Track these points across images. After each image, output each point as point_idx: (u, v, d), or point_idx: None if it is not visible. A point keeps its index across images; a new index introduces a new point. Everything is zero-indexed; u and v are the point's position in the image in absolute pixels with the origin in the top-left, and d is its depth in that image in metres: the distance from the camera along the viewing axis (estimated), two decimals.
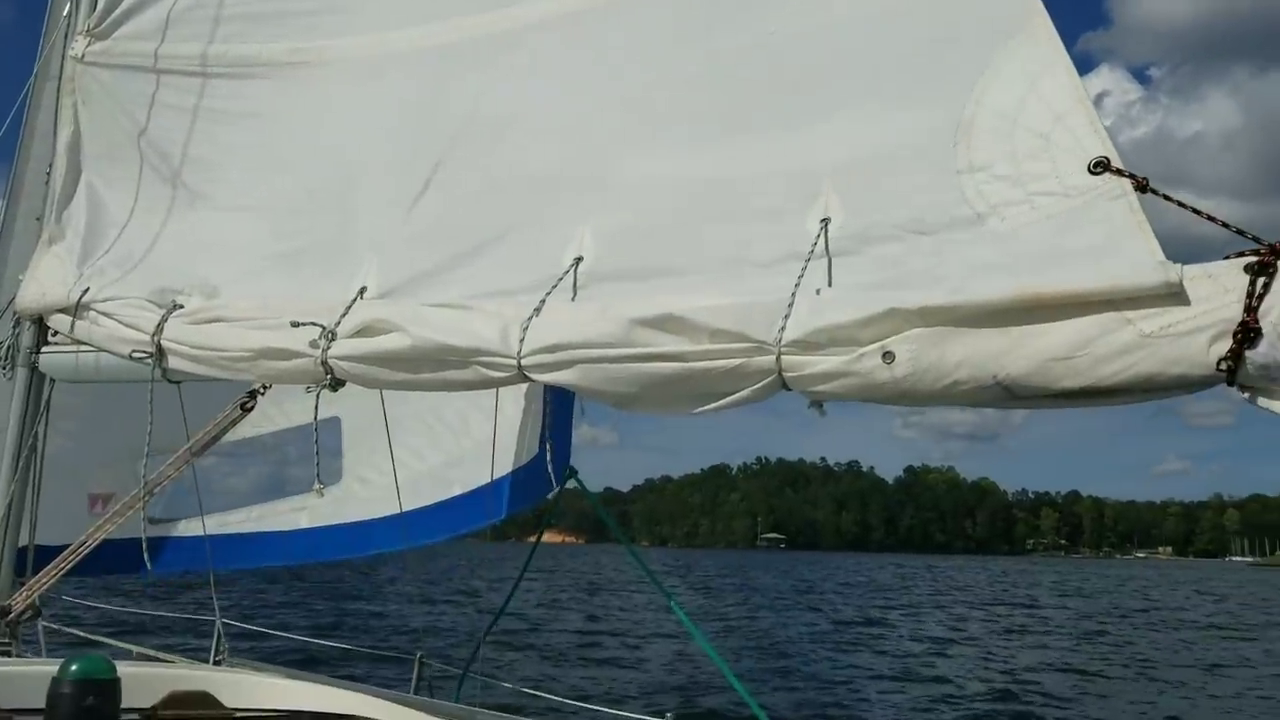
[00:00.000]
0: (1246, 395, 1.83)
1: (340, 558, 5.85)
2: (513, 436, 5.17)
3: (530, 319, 2.55)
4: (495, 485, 5.28)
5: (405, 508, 5.32)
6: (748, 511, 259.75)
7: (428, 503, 5.44)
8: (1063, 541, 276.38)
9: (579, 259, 2.70)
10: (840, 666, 19.67)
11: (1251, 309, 1.76)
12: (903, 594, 47.78)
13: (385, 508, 5.37)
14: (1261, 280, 1.77)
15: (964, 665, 20.13)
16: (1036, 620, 33.07)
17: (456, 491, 5.35)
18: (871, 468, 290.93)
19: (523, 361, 2.52)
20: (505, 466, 5.27)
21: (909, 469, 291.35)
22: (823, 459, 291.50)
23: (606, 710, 4.31)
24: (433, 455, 5.47)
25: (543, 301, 2.61)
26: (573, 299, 2.65)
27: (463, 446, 5.27)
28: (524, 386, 5.11)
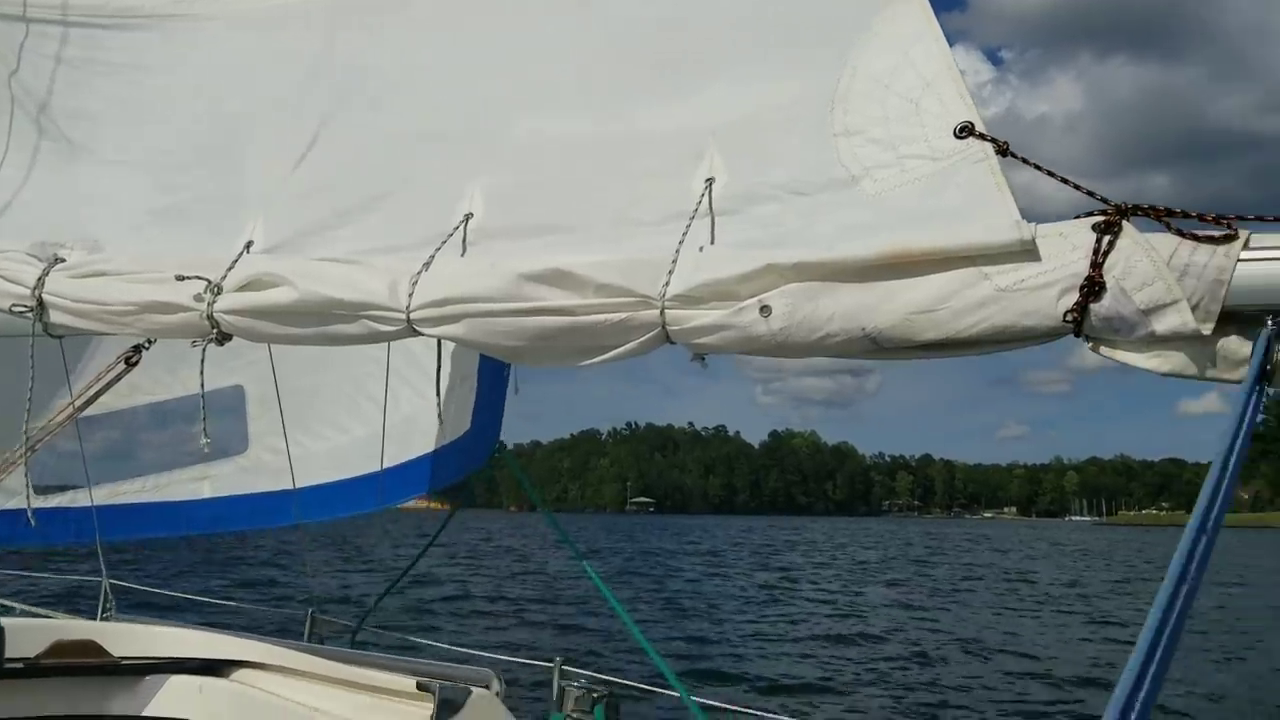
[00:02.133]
0: (1090, 345, 1.94)
1: (247, 529, 5.62)
2: (440, 411, 5.04)
3: (419, 274, 2.51)
4: (419, 461, 5.20)
5: (324, 479, 5.19)
6: (617, 476, 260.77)
7: (349, 475, 5.31)
8: (916, 502, 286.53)
9: (469, 215, 2.68)
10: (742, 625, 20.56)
11: (1097, 265, 1.84)
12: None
13: (302, 478, 5.20)
14: (1107, 238, 1.85)
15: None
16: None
17: (377, 466, 5.21)
18: (738, 432, 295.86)
19: (411, 315, 2.48)
20: (429, 443, 5.20)
21: (773, 433, 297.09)
22: (691, 424, 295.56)
23: (499, 657, 4.35)
24: (356, 428, 5.34)
25: (432, 257, 2.57)
26: (462, 255, 2.62)
27: (389, 420, 5.12)
28: (456, 361, 5.06)
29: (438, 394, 3.00)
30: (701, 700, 3.93)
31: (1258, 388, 1.76)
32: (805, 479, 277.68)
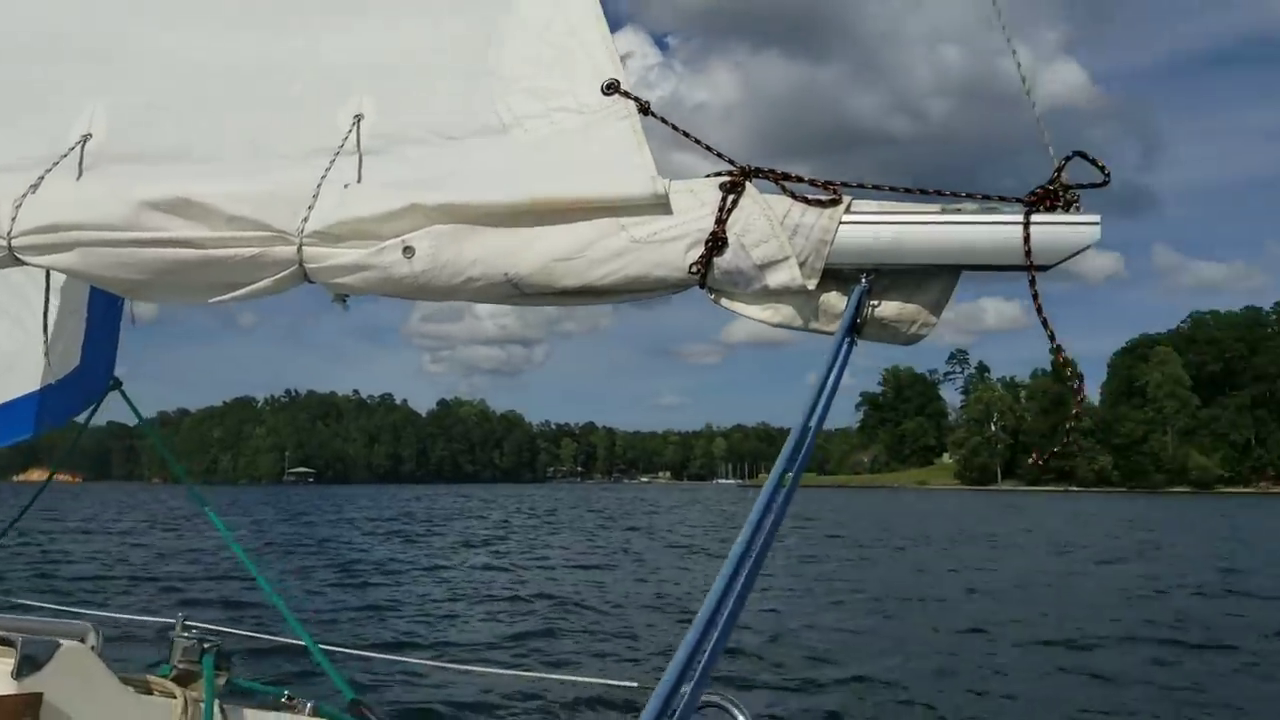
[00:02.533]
0: (713, 297, 2.06)
1: None
2: (48, 347, 4.48)
3: (25, 196, 2.24)
4: (25, 400, 4.60)
5: None
6: (275, 446, 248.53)
7: None
8: (579, 468, 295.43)
9: (87, 136, 2.41)
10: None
11: (721, 221, 1.96)
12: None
13: None
14: (731, 197, 1.98)
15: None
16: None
17: None
18: (405, 400, 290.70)
19: (13, 242, 2.21)
20: (34, 382, 4.63)
21: (442, 402, 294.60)
22: (356, 392, 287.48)
23: (120, 616, 4.08)
24: None
25: (41, 179, 2.29)
26: (78, 179, 2.36)
27: None
28: (65, 293, 4.53)
29: (44, 330, 2.68)
30: (327, 647, 3.88)
31: (847, 338, 1.95)
32: (473, 447, 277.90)
